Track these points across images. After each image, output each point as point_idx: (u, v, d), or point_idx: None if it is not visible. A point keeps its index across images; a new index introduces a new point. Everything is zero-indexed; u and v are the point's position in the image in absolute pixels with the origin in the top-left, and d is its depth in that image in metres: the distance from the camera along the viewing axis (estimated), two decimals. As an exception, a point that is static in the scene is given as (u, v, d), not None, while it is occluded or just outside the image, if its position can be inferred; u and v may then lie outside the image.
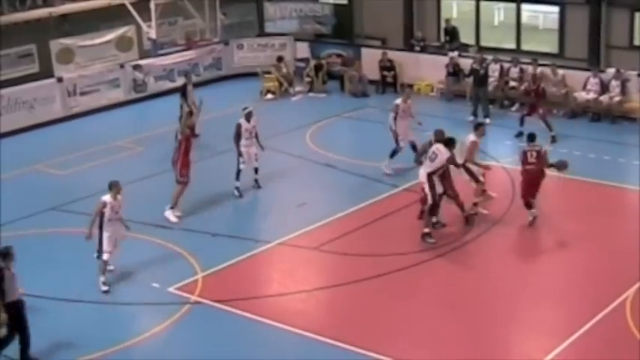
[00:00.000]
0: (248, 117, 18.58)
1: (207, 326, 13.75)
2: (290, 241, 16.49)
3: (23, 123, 23.74)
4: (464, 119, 23.03)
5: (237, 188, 18.60)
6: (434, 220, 16.66)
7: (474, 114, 23.41)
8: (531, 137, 17.10)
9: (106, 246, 14.74)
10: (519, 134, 21.31)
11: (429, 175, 16.34)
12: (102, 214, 14.72)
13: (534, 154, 16.78)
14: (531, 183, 16.80)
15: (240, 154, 18.50)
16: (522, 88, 23.51)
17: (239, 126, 18.46)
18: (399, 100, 19.95)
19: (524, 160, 16.81)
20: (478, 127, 17.52)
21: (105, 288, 14.75)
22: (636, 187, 18.32)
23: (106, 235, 14.74)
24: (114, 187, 14.87)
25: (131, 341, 13.28)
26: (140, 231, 16.62)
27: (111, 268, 15.13)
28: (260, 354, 13.02)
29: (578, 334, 12.96)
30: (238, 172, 18.56)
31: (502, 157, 20.45)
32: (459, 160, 16.73)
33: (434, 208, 16.51)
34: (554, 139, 21.22)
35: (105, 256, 14.76)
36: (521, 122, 21.75)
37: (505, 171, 19.54)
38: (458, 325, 13.46)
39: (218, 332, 13.60)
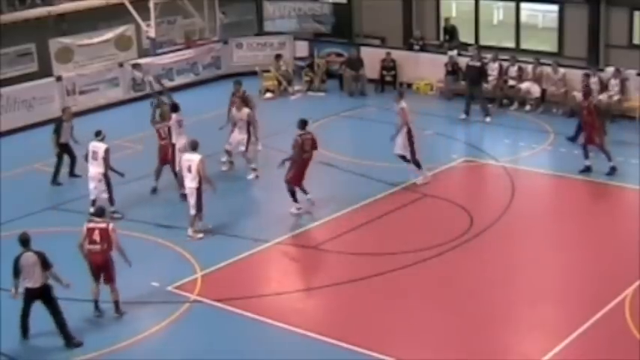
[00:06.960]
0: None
1: (207, 325, 13.76)
2: (289, 241, 16.49)
3: (22, 122, 23.74)
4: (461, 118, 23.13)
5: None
6: None
7: (466, 112, 23.36)
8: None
9: None
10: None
11: None
12: None
13: None
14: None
15: None
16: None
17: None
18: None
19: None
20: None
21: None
22: (635, 186, 18.29)
23: None
24: None
25: (130, 340, 13.29)
26: (139, 230, 16.61)
27: None
28: (259, 353, 13.02)
29: (577, 333, 12.96)
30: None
31: (501, 156, 20.46)
32: None
33: None
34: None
35: None
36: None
37: (505, 170, 19.54)
38: (457, 324, 13.46)
39: (217, 331, 13.60)
